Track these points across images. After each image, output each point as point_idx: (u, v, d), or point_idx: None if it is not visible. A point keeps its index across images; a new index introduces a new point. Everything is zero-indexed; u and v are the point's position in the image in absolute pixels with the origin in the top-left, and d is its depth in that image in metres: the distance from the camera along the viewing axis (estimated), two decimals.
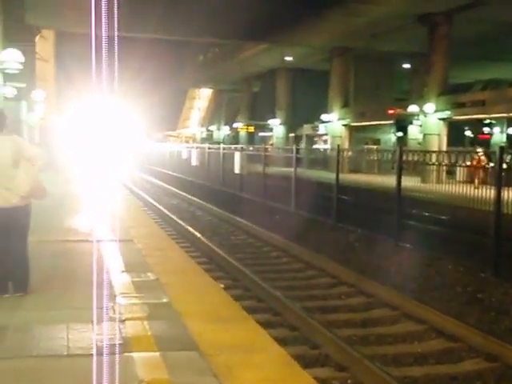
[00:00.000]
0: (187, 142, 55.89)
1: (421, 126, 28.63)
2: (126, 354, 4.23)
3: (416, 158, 13.33)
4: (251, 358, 4.23)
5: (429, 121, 26.86)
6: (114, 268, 6.97)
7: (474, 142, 44.53)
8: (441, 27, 26.48)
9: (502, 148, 10.58)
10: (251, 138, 47.82)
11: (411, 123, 30.06)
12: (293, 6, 26.04)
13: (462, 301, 8.95)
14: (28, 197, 5.63)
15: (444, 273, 10.40)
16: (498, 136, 43.32)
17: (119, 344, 4.39)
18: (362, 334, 7.24)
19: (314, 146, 37.82)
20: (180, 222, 15.72)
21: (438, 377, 5.95)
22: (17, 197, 5.52)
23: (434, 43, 26.72)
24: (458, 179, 17.36)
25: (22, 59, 14.17)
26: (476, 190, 11.67)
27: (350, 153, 18.17)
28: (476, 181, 13.49)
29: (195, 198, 22.12)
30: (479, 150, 18.67)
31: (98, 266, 7.03)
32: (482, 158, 14.81)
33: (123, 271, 6.83)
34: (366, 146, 31.25)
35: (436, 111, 26.21)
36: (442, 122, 26.61)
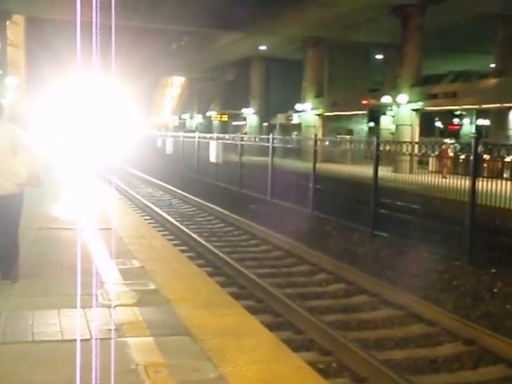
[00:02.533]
0: (159, 130, 55.46)
1: (393, 116, 28.99)
2: (120, 338, 4.29)
3: (393, 148, 13.52)
4: (242, 342, 4.33)
5: (402, 111, 27.22)
6: (98, 256, 6.99)
7: (445, 133, 45.26)
8: (414, 18, 26.79)
9: (477, 139, 10.83)
10: (225, 126, 47.78)
11: (384, 114, 30.43)
12: None
13: (438, 287, 9.18)
14: (24, 184, 5.64)
15: (420, 261, 10.63)
16: (468, 127, 44.08)
17: (112, 329, 4.46)
18: (344, 320, 7.40)
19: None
20: (157, 210, 15.74)
21: (418, 360, 6.13)
22: (14, 184, 5.54)
23: (407, 34, 27.04)
24: (430, 169, 17.68)
25: None
26: (445, 180, 11.98)
27: (327, 143, 18.30)
28: (444, 170, 13.82)
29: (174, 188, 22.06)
30: (446, 140, 19.14)
31: (84, 254, 7.06)
32: (449, 148, 15.20)
33: (108, 259, 6.85)
34: (339, 136, 31.50)
35: (409, 102, 26.57)
36: (414, 112, 27.00)
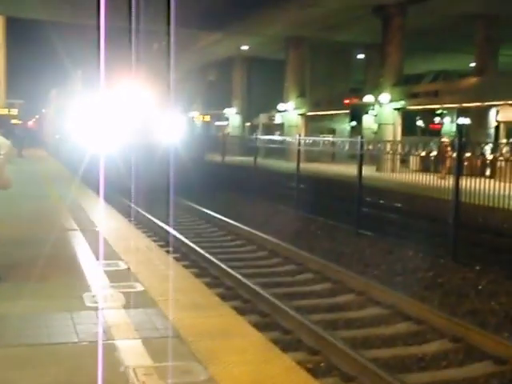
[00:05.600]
0: None
1: (376, 115, 29.12)
2: (109, 341, 4.24)
3: (381, 147, 13.60)
4: (232, 343, 4.31)
5: (384, 111, 27.34)
6: (83, 258, 6.93)
7: (426, 132, 45.58)
8: (395, 19, 26.93)
9: (460, 136, 10.91)
10: (207, 127, 47.66)
11: (366, 113, 30.55)
12: None
13: (423, 285, 9.22)
14: None
15: (404, 259, 10.68)
16: (449, 126, 44.40)
17: (100, 332, 4.41)
18: (331, 319, 7.40)
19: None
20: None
21: (406, 358, 6.15)
22: None
23: (388, 34, 27.17)
24: (411, 168, 17.80)
25: None
26: (438, 180, 12.03)
27: (310, 141, 18.34)
28: (442, 170, 13.81)
29: None
30: (445, 138, 19.08)
31: (68, 256, 7.00)
32: (448, 146, 15.07)
33: (94, 261, 6.79)
34: (321, 136, 31.58)
35: (391, 101, 26.70)
36: (396, 111, 27.15)
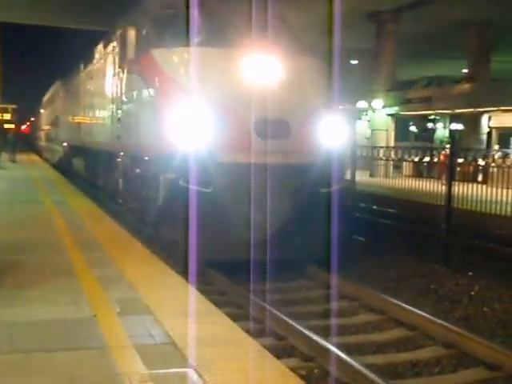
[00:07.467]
0: None
1: (369, 121, 29.27)
2: (104, 348, 4.26)
3: (381, 153, 13.67)
4: (226, 350, 4.33)
5: (377, 116, 27.46)
6: (76, 263, 6.93)
7: (419, 137, 45.76)
8: (388, 25, 27.11)
9: (453, 143, 11.01)
10: None
11: (359, 118, 30.69)
12: None
13: (416, 291, 9.24)
14: None
15: (397, 264, 10.70)
16: (441, 131, 44.61)
17: (94, 339, 4.42)
18: (324, 325, 7.40)
19: None
20: None
21: (399, 364, 6.17)
22: None
23: (381, 40, 27.35)
24: (404, 173, 17.91)
25: None
26: (432, 186, 12.10)
27: None
28: (443, 177, 13.93)
29: None
30: (448, 146, 19.16)
31: (60, 261, 7.01)
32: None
33: (86, 266, 6.80)
34: None
35: (384, 107, 26.83)
36: (389, 117, 27.29)
